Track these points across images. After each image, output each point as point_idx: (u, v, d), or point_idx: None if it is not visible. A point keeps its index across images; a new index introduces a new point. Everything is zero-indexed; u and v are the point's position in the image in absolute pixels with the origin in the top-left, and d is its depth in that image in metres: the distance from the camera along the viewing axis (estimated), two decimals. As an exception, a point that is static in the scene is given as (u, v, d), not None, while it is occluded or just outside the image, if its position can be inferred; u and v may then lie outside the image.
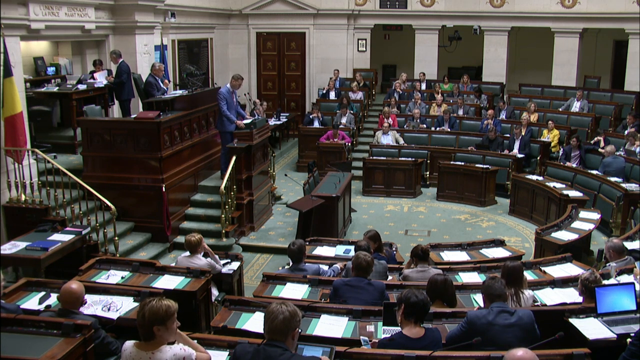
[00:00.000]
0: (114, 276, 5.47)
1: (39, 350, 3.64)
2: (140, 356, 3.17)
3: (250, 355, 3.06)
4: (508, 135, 11.85)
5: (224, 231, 8.44)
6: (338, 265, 5.79)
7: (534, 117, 12.52)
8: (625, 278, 4.95)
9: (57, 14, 8.78)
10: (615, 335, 4.01)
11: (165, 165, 8.22)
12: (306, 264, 5.57)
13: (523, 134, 11.49)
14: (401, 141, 12.22)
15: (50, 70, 10.36)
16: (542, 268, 5.69)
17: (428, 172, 11.78)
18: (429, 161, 11.74)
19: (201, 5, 13.96)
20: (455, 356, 3.57)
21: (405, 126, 12.97)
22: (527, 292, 4.55)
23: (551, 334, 3.62)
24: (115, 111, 10.44)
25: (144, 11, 10.44)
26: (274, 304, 3.07)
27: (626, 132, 11.09)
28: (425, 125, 12.99)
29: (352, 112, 13.41)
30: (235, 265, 6.23)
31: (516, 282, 4.50)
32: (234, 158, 8.68)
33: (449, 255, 6.46)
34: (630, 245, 6.03)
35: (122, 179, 8.14)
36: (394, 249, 6.82)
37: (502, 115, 13.01)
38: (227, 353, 3.75)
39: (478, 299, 4.67)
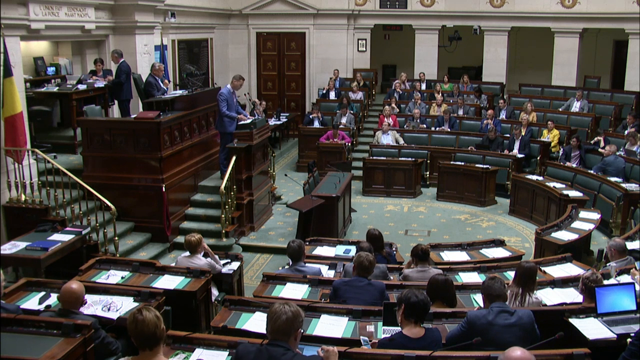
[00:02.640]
0: (114, 276, 5.46)
1: (39, 350, 3.64)
2: None
3: (253, 355, 3.05)
4: (508, 135, 11.84)
5: (224, 231, 8.44)
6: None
7: (532, 117, 12.52)
8: (625, 278, 4.95)
9: (57, 14, 8.78)
10: (615, 335, 4.01)
11: (165, 165, 8.22)
12: (307, 265, 5.56)
13: (523, 134, 11.48)
14: (401, 141, 12.22)
15: (50, 70, 10.35)
16: (542, 268, 5.68)
17: (428, 172, 11.78)
18: (429, 161, 11.74)
19: (201, 5, 13.96)
20: (455, 356, 3.57)
21: (405, 126, 12.97)
22: (535, 297, 4.52)
23: (551, 334, 3.62)
24: (115, 111, 10.43)
25: (144, 11, 10.44)
26: (277, 304, 3.06)
27: (626, 132, 11.08)
28: (425, 125, 12.99)
29: (352, 112, 13.41)
30: (235, 265, 6.23)
31: (527, 283, 4.48)
32: (234, 158, 8.68)
33: (449, 255, 6.46)
34: (630, 245, 6.03)
35: (122, 179, 8.13)
36: (394, 249, 6.82)
37: (502, 115, 13.01)
38: (227, 353, 3.75)
39: (478, 299, 4.67)
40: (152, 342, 3.01)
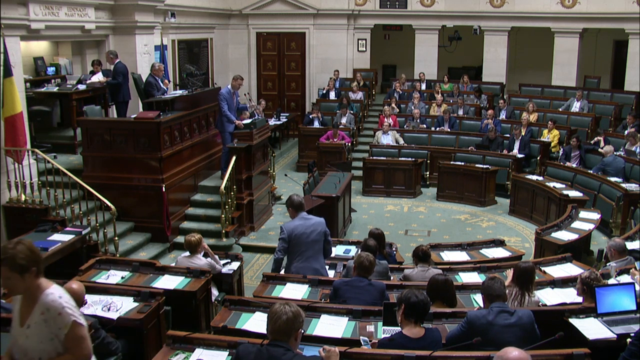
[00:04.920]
0: (114, 276, 5.46)
1: (39, 350, 3.63)
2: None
3: (254, 355, 3.05)
4: (508, 135, 11.85)
5: (224, 231, 8.44)
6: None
7: (533, 117, 12.53)
8: (625, 278, 4.95)
9: (57, 14, 8.77)
10: (615, 335, 4.01)
11: (165, 165, 8.22)
12: (311, 216, 5.62)
13: (523, 134, 11.48)
14: (401, 141, 12.22)
15: (50, 70, 10.35)
16: (542, 268, 5.69)
17: (428, 172, 11.78)
18: (429, 161, 11.74)
19: (201, 5, 13.96)
20: (455, 356, 3.57)
21: (405, 126, 12.97)
22: (534, 297, 4.52)
23: (551, 334, 3.62)
24: (115, 111, 10.43)
25: (144, 11, 10.44)
26: (278, 304, 3.06)
27: (626, 132, 11.08)
28: (425, 125, 12.99)
29: (352, 112, 13.41)
30: (235, 265, 6.23)
31: (525, 284, 4.48)
32: (234, 158, 8.69)
33: (449, 255, 6.46)
34: (630, 245, 6.03)
35: (122, 179, 8.13)
36: (394, 249, 6.83)
37: (502, 115, 13.01)
38: (227, 353, 3.75)
39: (478, 299, 4.67)
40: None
